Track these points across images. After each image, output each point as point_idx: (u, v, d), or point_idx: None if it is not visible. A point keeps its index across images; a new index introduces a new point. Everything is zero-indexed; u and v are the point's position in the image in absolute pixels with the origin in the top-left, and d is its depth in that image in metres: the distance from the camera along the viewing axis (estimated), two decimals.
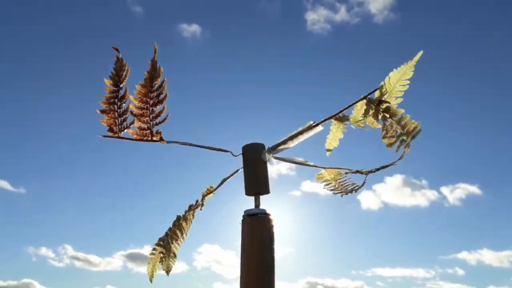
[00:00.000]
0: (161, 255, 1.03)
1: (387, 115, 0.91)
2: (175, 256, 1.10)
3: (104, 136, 0.91)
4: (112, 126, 0.89)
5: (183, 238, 1.11)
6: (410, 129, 0.86)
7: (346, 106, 0.99)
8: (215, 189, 1.12)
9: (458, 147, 10.10)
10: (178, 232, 1.03)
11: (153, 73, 0.86)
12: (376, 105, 0.92)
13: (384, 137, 0.91)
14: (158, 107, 0.90)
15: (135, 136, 0.92)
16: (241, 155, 1.02)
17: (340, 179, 1.11)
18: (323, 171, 1.14)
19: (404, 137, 0.85)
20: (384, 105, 0.92)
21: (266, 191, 1.00)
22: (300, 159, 1.09)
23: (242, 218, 0.98)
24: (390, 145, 0.89)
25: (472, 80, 10.00)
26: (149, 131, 0.92)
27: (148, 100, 0.90)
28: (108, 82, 0.86)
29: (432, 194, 9.95)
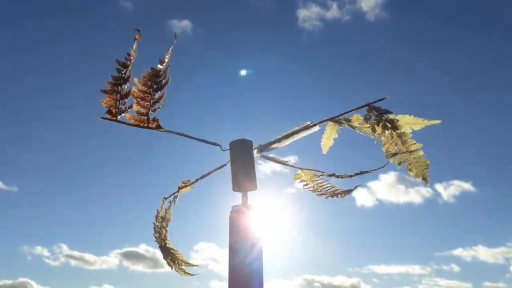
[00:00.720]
0: (169, 261, 1.01)
1: (389, 126, 0.92)
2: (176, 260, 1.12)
3: (103, 118, 0.86)
4: (111, 108, 0.84)
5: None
6: (410, 148, 0.91)
7: (347, 110, 0.98)
8: (192, 183, 1.11)
9: (452, 144, 9.91)
10: (163, 231, 1.02)
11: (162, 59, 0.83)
12: (379, 114, 0.92)
13: (384, 146, 0.93)
14: (158, 93, 0.87)
15: (132, 121, 0.88)
16: (228, 151, 1.01)
17: (316, 180, 1.12)
18: (299, 171, 1.14)
19: (407, 157, 0.89)
20: (389, 116, 0.93)
21: (252, 187, 1.00)
22: (282, 159, 1.10)
23: (229, 214, 0.97)
24: (390, 156, 0.92)
25: (464, 78, 9.90)
26: (146, 117, 0.88)
27: (152, 84, 0.86)
28: (119, 62, 0.81)
29: (426, 191, 9.75)
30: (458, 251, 9.85)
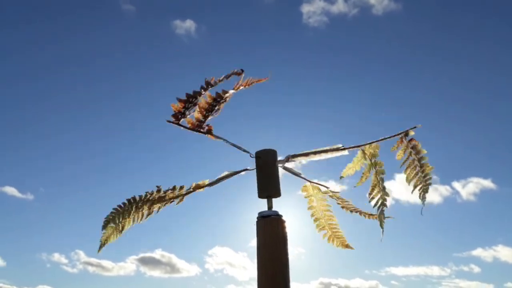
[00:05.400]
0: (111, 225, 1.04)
1: (413, 152, 1.04)
2: (121, 232, 1.10)
3: (169, 121, 0.92)
4: (178, 113, 0.89)
5: (139, 220, 1.10)
6: (426, 171, 1.06)
7: (380, 138, 1.07)
8: (208, 185, 1.12)
9: (469, 139, 9.51)
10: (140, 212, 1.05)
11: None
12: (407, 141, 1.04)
13: (406, 171, 1.06)
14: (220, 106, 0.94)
15: (189, 125, 0.94)
16: (254, 159, 1.07)
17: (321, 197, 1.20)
18: (307, 183, 1.19)
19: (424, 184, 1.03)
20: (413, 142, 1.06)
21: (277, 194, 1.07)
22: (298, 171, 1.15)
23: (256, 220, 1.03)
24: (409, 181, 1.06)
25: (479, 71, 9.42)
26: (202, 123, 0.95)
27: (217, 100, 0.93)
28: (207, 83, 0.89)
29: (444, 190, 9.37)
30: (477, 252, 9.53)
